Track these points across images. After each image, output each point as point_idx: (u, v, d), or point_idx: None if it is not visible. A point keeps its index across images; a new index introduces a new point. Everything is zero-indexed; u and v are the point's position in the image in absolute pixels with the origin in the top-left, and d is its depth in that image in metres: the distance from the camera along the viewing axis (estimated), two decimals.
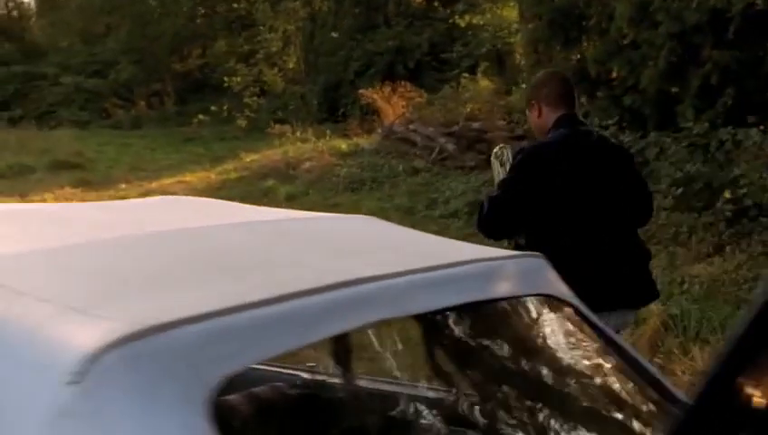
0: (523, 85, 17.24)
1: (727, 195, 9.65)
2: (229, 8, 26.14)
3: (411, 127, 17.00)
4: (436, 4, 24.53)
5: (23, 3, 41.77)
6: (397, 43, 22.88)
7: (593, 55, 14.00)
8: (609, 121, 12.64)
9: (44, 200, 13.94)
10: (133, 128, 25.72)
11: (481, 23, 19.70)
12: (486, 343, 2.51)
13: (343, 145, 17.92)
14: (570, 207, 4.20)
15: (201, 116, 20.98)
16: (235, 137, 19.66)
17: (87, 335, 1.54)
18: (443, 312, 2.41)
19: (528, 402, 2.44)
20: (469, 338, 2.51)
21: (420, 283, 2.07)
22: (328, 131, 19.34)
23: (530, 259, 2.54)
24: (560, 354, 2.45)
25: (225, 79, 19.84)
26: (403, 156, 16.16)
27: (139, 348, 1.49)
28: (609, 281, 4.11)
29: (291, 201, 13.39)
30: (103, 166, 19.31)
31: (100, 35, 33.65)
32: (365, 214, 10.52)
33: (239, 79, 19.68)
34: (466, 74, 19.95)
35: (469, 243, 2.75)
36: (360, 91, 20.40)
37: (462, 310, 2.42)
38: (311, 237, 2.48)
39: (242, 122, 19.94)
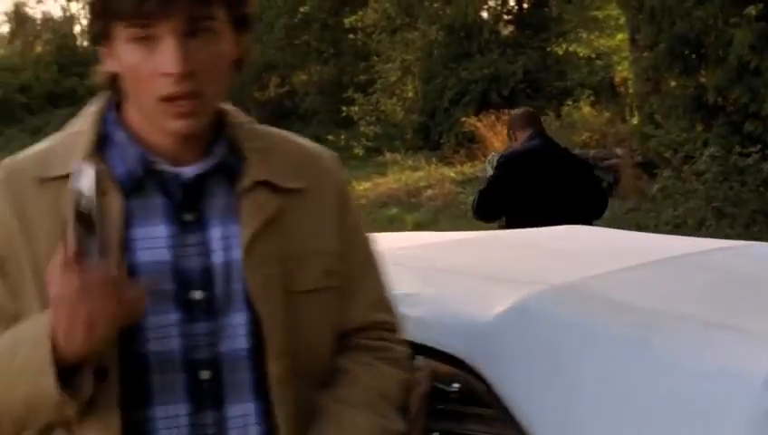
0: (636, 114, 17.30)
1: None
2: (317, 37, 26.56)
3: None
4: (528, 32, 24.66)
5: None
6: (491, 71, 23.03)
7: (713, 82, 13.99)
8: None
9: None
10: None
11: (578, 51, 19.80)
12: None
13: (452, 173, 18.06)
14: (535, 198, 5.71)
15: None
16: (348, 166, 19.81)
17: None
18: None
19: None
20: None
21: None
22: (434, 159, 19.50)
23: None
24: None
25: (344, 108, 20.17)
26: None
27: None
28: None
29: (420, 229, 13.52)
30: None
31: None
32: None
33: (356, 108, 20.00)
34: (569, 102, 20.06)
35: None
36: (463, 118, 20.54)
37: None
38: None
39: (359, 151, 20.23)
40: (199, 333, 1.66)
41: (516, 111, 6.76)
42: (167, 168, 1.67)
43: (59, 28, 40.67)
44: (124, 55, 1.60)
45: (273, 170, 1.73)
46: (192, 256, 1.67)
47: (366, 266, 1.86)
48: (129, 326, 1.57)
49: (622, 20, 18.79)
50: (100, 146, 1.68)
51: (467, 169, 18.74)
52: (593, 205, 6.08)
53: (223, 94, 1.70)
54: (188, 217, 1.67)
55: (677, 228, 11.72)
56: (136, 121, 1.69)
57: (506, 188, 5.88)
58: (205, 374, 1.66)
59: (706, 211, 12.16)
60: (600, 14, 19.43)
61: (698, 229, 11.68)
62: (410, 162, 19.22)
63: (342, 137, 20.64)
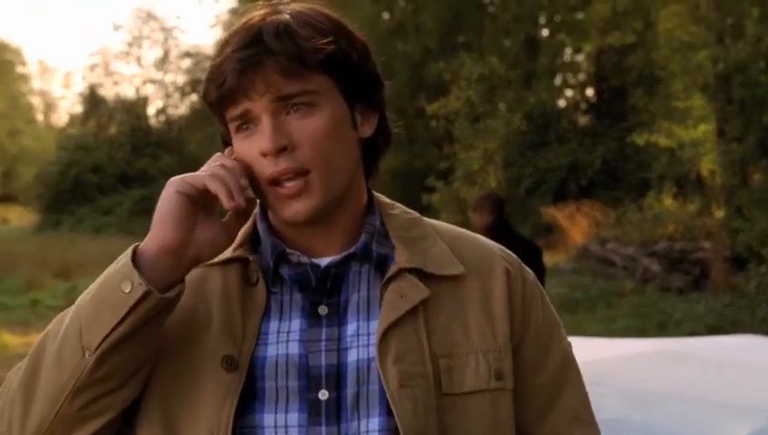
0: (722, 206, 17.02)
1: None
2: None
3: (609, 247, 16.86)
4: (606, 121, 24.51)
5: (173, 116, 43.21)
6: (570, 160, 22.85)
7: None
8: None
9: None
10: None
11: (660, 142, 19.58)
12: None
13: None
14: None
15: None
16: None
17: None
18: None
19: None
20: None
21: None
22: None
23: None
24: None
25: (424, 196, 20.08)
26: (604, 275, 15.98)
27: None
28: None
29: None
30: None
31: None
32: (592, 335, 10.40)
33: (438, 196, 19.89)
34: (651, 194, 19.79)
35: None
36: (540, 208, 20.37)
37: None
38: None
39: None
40: None
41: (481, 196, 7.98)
42: (303, 259, 1.56)
43: (132, 109, 41.37)
44: (236, 146, 1.53)
45: (425, 256, 1.58)
46: (323, 351, 1.52)
47: (562, 372, 1.63)
48: (245, 423, 1.48)
49: (706, 111, 18.57)
50: (256, 236, 1.62)
51: (547, 259, 18.39)
52: None
53: (342, 173, 1.53)
54: (324, 310, 1.54)
55: None
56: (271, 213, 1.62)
57: None
58: None
59: None
60: (681, 104, 19.24)
61: None
62: None
63: None
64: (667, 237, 16.13)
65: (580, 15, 25.15)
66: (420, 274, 1.55)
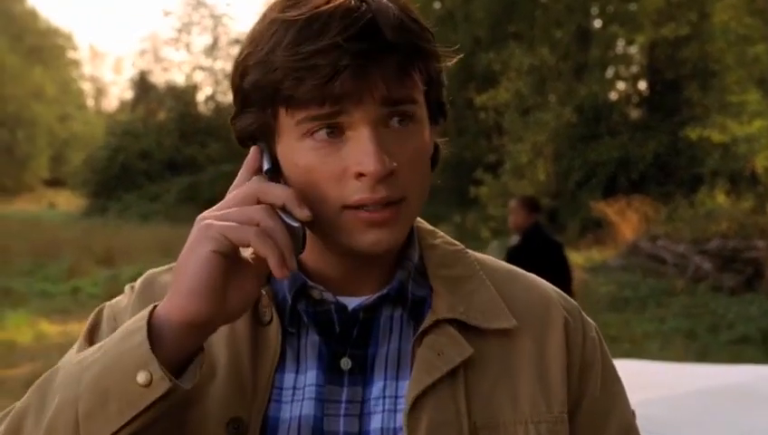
0: None
1: None
2: None
3: (659, 243, 16.50)
4: (658, 115, 24.08)
5: (222, 103, 43.20)
6: (620, 154, 22.45)
7: None
8: None
9: None
10: None
11: (712, 137, 19.14)
12: None
13: (579, 259, 17.52)
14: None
15: None
16: (475, 247, 19.29)
17: None
18: None
19: None
20: None
21: None
22: None
23: None
24: None
25: (471, 188, 19.81)
26: (654, 274, 15.64)
27: None
28: None
29: None
30: None
31: None
32: (640, 336, 10.13)
33: (485, 189, 19.57)
34: (704, 189, 19.38)
35: None
36: (590, 202, 20.03)
37: None
38: None
39: (486, 234, 19.82)
40: None
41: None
42: (327, 295, 1.28)
43: (181, 96, 41.35)
44: (297, 155, 1.20)
45: (469, 304, 1.30)
46: (342, 416, 1.26)
47: None
48: None
49: (762, 106, 18.13)
50: None
51: (595, 254, 18.16)
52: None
53: (424, 201, 1.27)
54: (347, 364, 1.27)
55: None
56: None
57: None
58: None
59: None
60: (736, 99, 18.81)
61: None
62: None
63: (466, 218, 20.28)
64: (720, 235, 15.75)
65: (633, 6, 24.66)
66: (462, 325, 1.28)
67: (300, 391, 1.26)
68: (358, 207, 1.18)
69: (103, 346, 1.16)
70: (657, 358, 10.00)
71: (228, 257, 1.13)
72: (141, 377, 1.10)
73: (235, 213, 1.15)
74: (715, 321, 12.44)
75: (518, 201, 8.11)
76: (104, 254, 20.25)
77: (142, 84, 44.46)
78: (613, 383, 1.37)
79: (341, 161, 1.17)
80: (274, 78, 1.17)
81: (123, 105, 50.39)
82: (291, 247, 1.14)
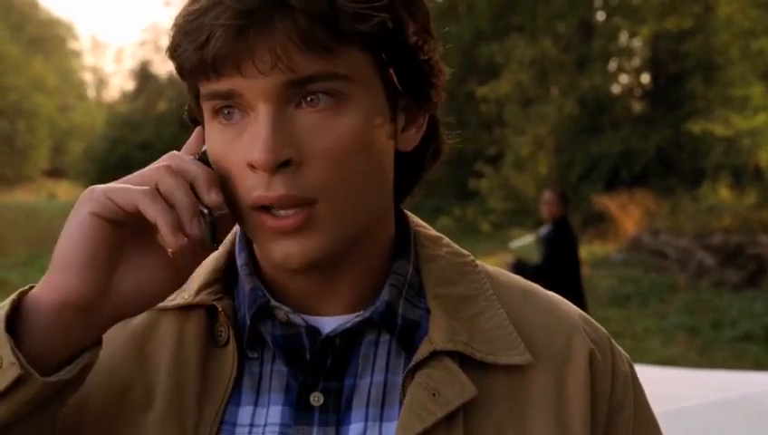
0: None
1: None
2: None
3: (662, 238, 16.36)
4: (661, 108, 23.93)
5: None
6: (622, 148, 22.28)
7: None
8: None
9: None
10: None
11: (716, 131, 19.02)
12: None
13: (581, 253, 17.39)
14: None
15: None
16: (474, 241, 19.38)
17: None
18: None
19: None
20: None
21: None
22: None
23: None
24: None
25: (471, 181, 19.66)
26: (656, 268, 15.50)
27: None
28: None
29: None
30: None
31: None
32: (642, 332, 10.01)
33: (486, 182, 19.38)
34: (707, 183, 19.24)
35: None
36: (592, 195, 19.89)
37: None
38: None
39: (486, 227, 19.71)
40: None
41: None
42: (295, 317, 1.05)
43: (182, 87, 41.15)
44: (208, 138, 1.03)
45: (474, 332, 1.07)
46: None
47: None
48: None
49: (766, 100, 17.98)
50: (233, 271, 1.11)
51: (597, 248, 18.00)
52: None
53: (364, 204, 1.02)
54: (318, 399, 1.04)
55: None
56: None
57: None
58: None
59: None
60: (740, 92, 18.67)
61: None
62: None
63: (466, 211, 20.16)
64: (723, 230, 15.61)
65: None
66: (465, 359, 1.06)
67: (258, 429, 1.04)
68: (262, 208, 0.98)
69: None
70: (659, 355, 9.88)
71: (116, 225, 0.95)
72: None
73: (131, 177, 0.98)
74: (717, 317, 12.29)
75: (554, 193, 8.61)
76: None
77: (143, 75, 44.28)
78: (647, 428, 1.14)
79: (242, 149, 0.98)
80: (173, 43, 1.01)
81: (124, 96, 50.24)
82: (192, 211, 0.95)
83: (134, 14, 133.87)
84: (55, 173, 52.94)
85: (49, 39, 61.68)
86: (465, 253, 1.16)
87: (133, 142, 36.47)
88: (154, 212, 0.93)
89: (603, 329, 1.15)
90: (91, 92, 70.78)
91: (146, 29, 76.93)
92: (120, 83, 71.49)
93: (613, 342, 1.15)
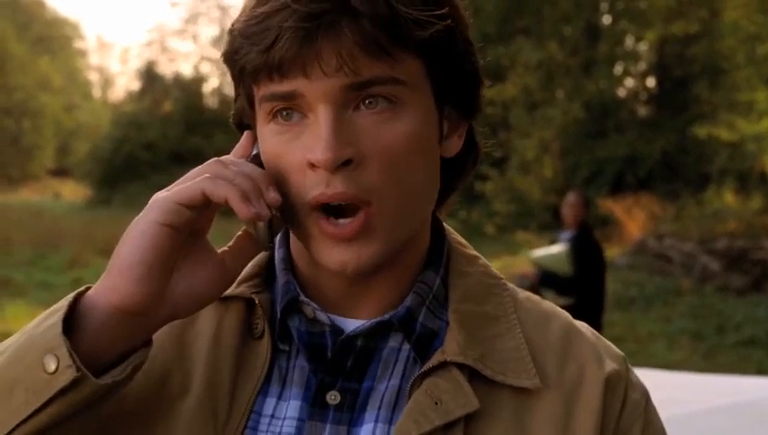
0: None
1: None
2: None
3: (666, 242, 16.37)
4: (666, 112, 23.95)
5: (228, 95, 43.11)
6: (628, 151, 22.29)
7: None
8: None
9: None
10: None
11: (721, 135, 19.05)
12: None
13: None
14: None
15: None
16: (479, 243, 19.18)
17: None
18: None
19: None
20: None
21: None
22: None
23: None
24: None
25: (476, 184, 19.68)
26: (660, 272, 15.51)
27: None
28: None
29: None
30: None
31: None
32: (646, 336, 10.00)
33: (491, 185, 19.43)
34: (712, 188, 19.24)
35: None
36: (597, 199, 19.91)
37: None
38: None
39: (490, 230, 19.72)
40: None
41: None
42: (321, 315, 1.08)
43: (188, 87, 41.26)
44: (265, 140, 1.04)
45: (487, 350, 1.08)
46: None
47: None
48: None
49: None
50: (272, 267, 1.15)
51: None
52: None
53: (417, 209, 1.06)
54: (335, 398, 1.06)
55: None
56: (294, 238, 1.11)
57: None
58: None
59: None
60: (745, 97, 18.69)
61: None
62: (543, 242, 18.58)
63: (471, 214, 20.18)
64: (728, 235, 15.60)
65: (643, 3, 24.51)
66: (474, 374, 1.06)
67: (278, 422, 1.07)
68: (321, 210, 1.00)
69: (26, 329, 1.02)
70: (663, 359, 9.88)
71: (178, 232, 0.97)
72: (49, 363, 0.94)
73: (184, 178, 1.00)
74: (721, 322, 12.30)
75: (577, 196, 8.21)
76: (106, 245, 20.04)
77: (149, 75, 44.31)
78: None
79: (301, 149, 1.00)
80: (233, 47, 1.03)
81: (130, 96, 50.27)
82: (258, 190, 0.98)
83: (140, 14, 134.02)
84: (60, 172, 53.10)
85: (55, 39, 61.87)
86: (498, 275, 1.17)
87: (138, 142, 36.53)
88: (222, 190, 0.96)
89: (623, 355, 1.15)
90: (96, 92, 71.01)
91: (152, 29, 77.05)
92: (125, 83, 71.57)
93: (630, 370, 1.15)
